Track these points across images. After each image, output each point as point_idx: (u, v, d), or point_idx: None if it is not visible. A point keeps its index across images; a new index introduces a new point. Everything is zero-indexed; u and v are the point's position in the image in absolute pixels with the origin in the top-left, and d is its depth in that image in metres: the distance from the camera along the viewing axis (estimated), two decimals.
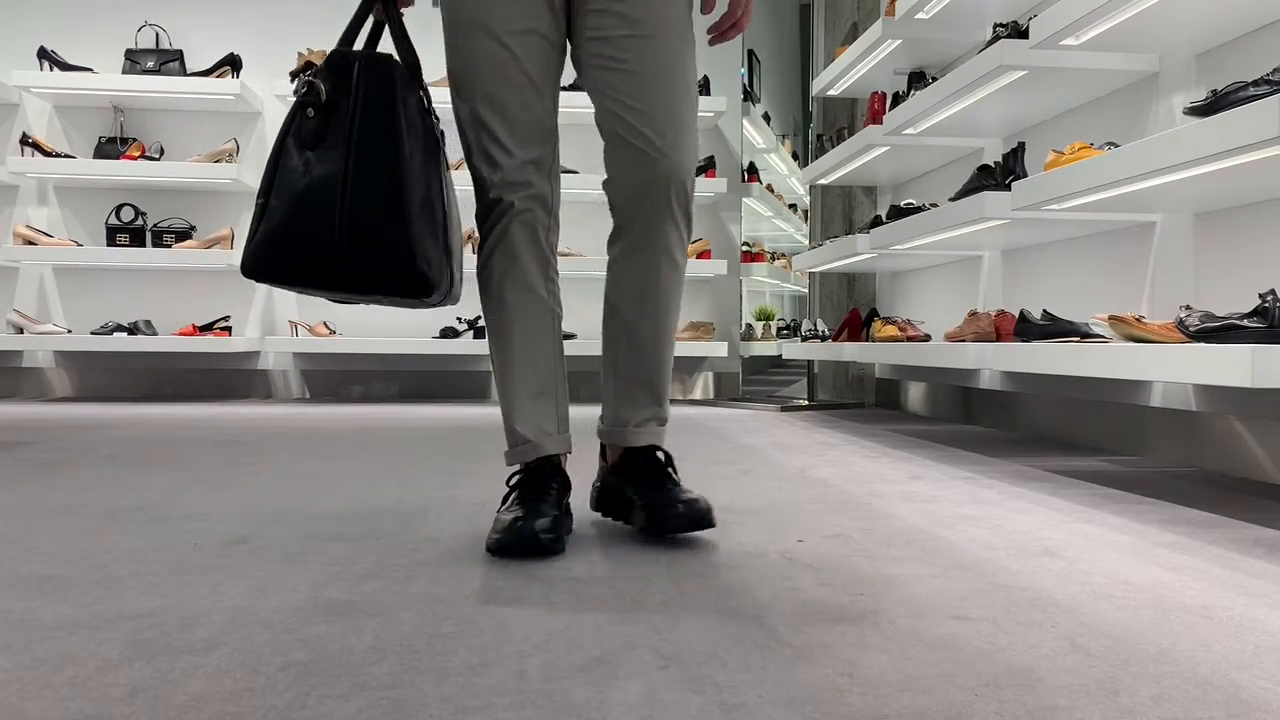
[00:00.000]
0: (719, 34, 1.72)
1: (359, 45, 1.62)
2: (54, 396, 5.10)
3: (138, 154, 4.94)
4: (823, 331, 4.73)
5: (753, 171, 5.92)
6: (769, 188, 6.78)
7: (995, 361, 2.75)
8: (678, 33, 1.64)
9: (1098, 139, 2.64)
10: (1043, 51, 2.57)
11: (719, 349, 5.09)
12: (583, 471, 1.78)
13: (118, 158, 4.92)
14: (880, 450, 2.97)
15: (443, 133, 1.61)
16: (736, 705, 0.90)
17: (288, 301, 5.18)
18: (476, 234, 1.67)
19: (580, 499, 1.74)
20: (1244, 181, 2.10)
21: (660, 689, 0.94)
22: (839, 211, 5.10)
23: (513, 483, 1.63)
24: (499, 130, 1.59)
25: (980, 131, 3.52)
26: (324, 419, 3.98)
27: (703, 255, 5.14)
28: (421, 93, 1.58)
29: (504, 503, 1.61)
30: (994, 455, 2.84)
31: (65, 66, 4.95)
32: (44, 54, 4.93)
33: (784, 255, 7.23)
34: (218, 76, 4.96)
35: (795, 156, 8.07)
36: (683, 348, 5.01)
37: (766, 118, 7.20)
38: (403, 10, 1.66)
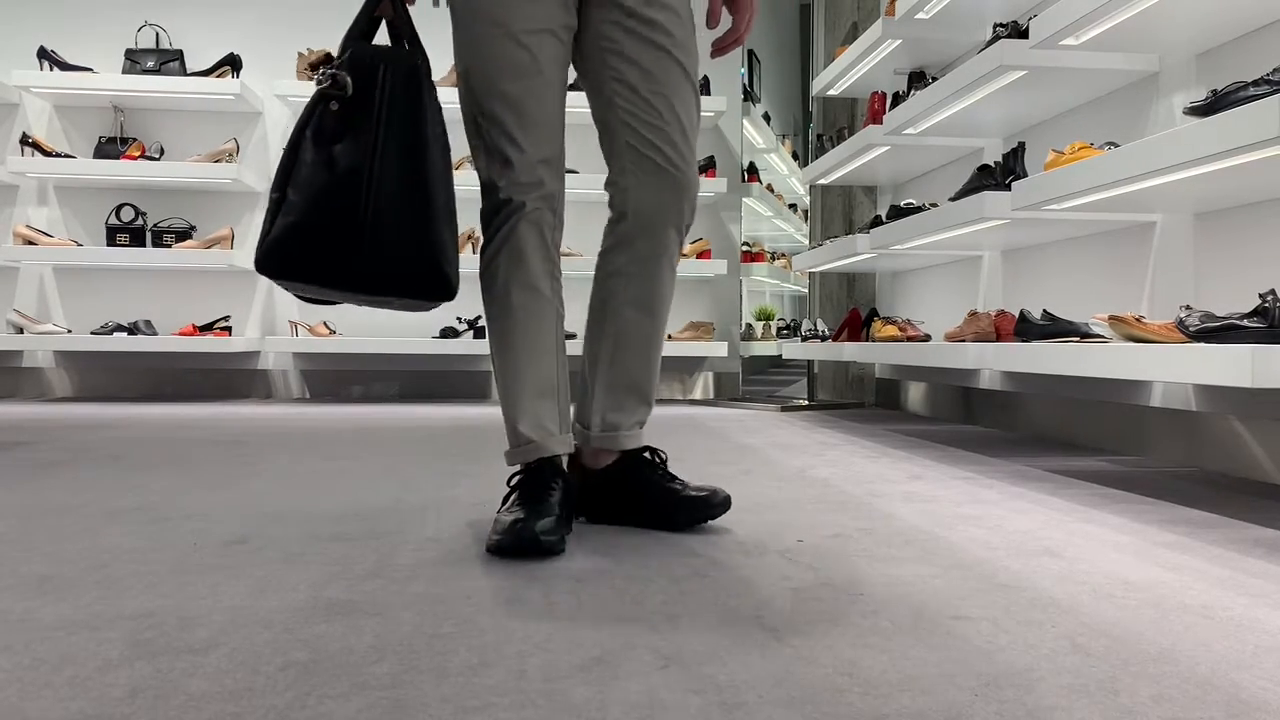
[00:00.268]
0: (721, 48, 1.76)
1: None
2: (54, 396, 5.10)
3: (138, 154, 4.94)
4: (823, 331, 4.73)
5: (753, 171, 5.92)
6: (769, 188, 6.78)
7: (995, 361, 2.75)
8: (690, 48, 1.71)
9: (1098, 139, 2.64)
10: (1043, 51, 2.57)
11: (719, 349, 5.09)
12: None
13: (118, 158, 4.92)
14: (880, 450, 2.96)
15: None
16: (736, 705, 0.90)
17: (288, 301, 5.18)
18: (479, 233, 1.67)
19: None
20: (1244, 181, 2.10)
21: (660, 689, 0.94)
22: (839, 211, 5.10)
23: (513, 483, 1.63)
24: (514, 129, 1.59)
25: (980, 131, 3.52)
26: (324, 419, 3.98)
27: (703, 255, 5.14)
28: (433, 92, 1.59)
29: (504, 503, 1.61)
30: (994, 455, 2.84)
31: (65, 66, 4.95)
32: (44, 54, 4.93)
33: (784, 255, 7.22)
34: (218, 76, 4.96)
35: (795, 156, 8.07)
36: (683, 348, 5.02)
37: (766, 118, 7.20)
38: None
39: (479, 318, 5.08)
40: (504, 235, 1.61)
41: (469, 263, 1.62)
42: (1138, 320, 2.18)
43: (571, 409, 1.74)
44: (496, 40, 1.59)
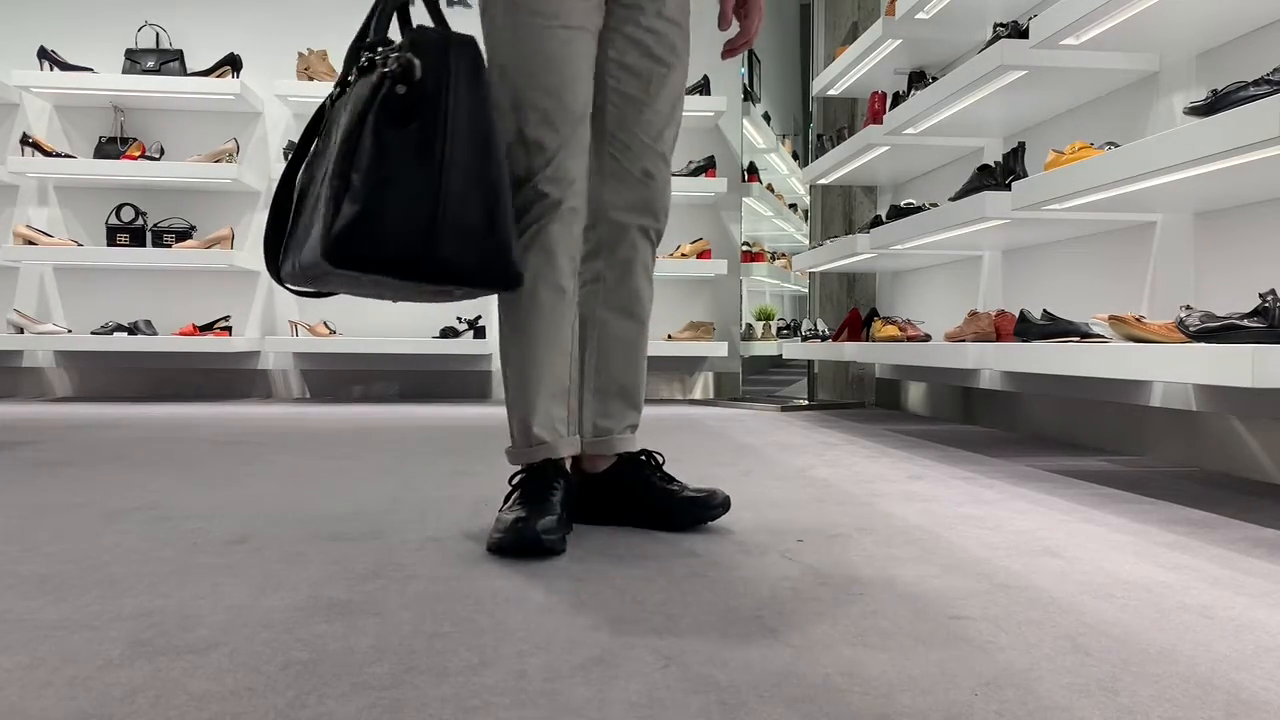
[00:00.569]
0: (731, 50, 1.78)
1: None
2: (54, 396, 5.10)
3: (138, 154, 4.94)
4: (823, 331, 4.73)
5: (753, 171, 5.92)
6: (769, 187, 6.78)
7: (995, 361, 2.75)
8: (686, 61, 1.75)
9: (1098, 139, 2.64)
10: (1043, 51, 2.57)
11: (719, 349, 5.09)
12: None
13: (118, 158, 4.92)
14: (880, 450, 2.97)
15: None
16: (736, 705, 0.90)
17: (288, 301, 5.18)
18: None
19: None
20: (1244, 181, 2.10)
21: (660, 689, 0.94)
22: (839, 211, 5.10)
23: (515, 481, 1.63)
24: (558, 123, 1.58)
25: (980, 131, 3.52)
26: (324, 419, 3.98)
27: (703, 255, 5.14)
28: None
29: (506, 501, 1.61)
30: (994, 455, 2.84)
31: (65, 66, 4.95)
32: (44, 54, 4.93)
33: (784, 255, 7.22)
34: (218, 76, 4.96)
35: (795, 156, 8.07)
36: (683, 348, 5.02)
37: (766, 118, 7.20)
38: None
39: (479, 318, 5.09)
40: (535, 231, 1.60)
41: None
42: (1138, 320, 2.18)
43: None
44: (542, 32, 1.57)
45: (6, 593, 1.27)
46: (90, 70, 4.95)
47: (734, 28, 1.78)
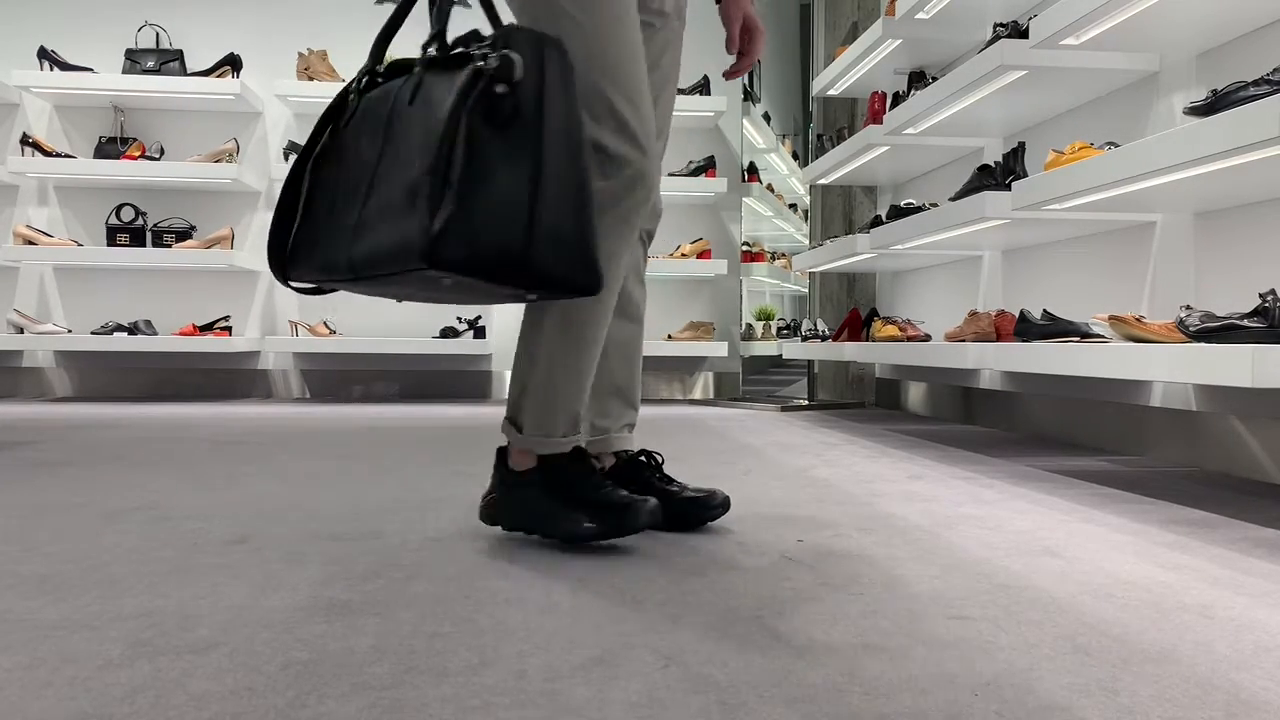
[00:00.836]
0: (735, 73, 1.80)
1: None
2: (54, 396, 5.10)
3: (138, 154, 4.94)
4: (823, 331, 4.73)
5: (753, 171, 5.92)
6: (769, 187, 6.78)
7: (995, 361, 2.75)
8: (679, 72, 1.77)
9: (1098, 139, 2.64)
10: (1043, 51, 2.57)
11: (719, 349, 5.09)
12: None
13: (118, 158, 4.92)
14: (880, 450, 2.96)
15: None
16: (736, 705, 0.90)
17: (288, 301, 5.19)
18: None
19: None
20: (1244, 181, 2.10)
21: (660, 689, 0.94)
22: (839, 211, 5.10)
23: (555, 468, 1.59)
24: (646, 115, 1.55)
25: (980, 131, 3.52)
26: (324, 419, 3.98)
27: (703, 255, 5.14)
28: None
29: (561, 488, 1.57)
30: (994, 455, 2.84)
31: (65, 66, 4.95)
32: (44, 54, 4.93)
33: (784, 255, 7.22)
34: (218, 76, 4.97)
35: (795, 156, 8.07)
36: (683, 348, 5.02)
37: (766, 117, 7.20)
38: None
39: (479, 318, 5.09)
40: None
41: None
42: (1138, 320, 2.18)
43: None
44: (627, 22, 1.55)
45: (6, 593, 1.27)
46: (90, 70, 4.95)
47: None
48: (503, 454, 1.65)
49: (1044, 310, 2.72)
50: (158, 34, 5.13)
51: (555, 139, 1.33)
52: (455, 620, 1.16)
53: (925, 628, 1.15)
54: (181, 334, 4.91)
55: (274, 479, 2.30)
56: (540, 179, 1.31)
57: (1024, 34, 2.70)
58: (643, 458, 1.77)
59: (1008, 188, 2.74)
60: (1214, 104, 1.99)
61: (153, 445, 2.96)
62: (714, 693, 0.93)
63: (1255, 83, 1.92)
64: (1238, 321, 1.92)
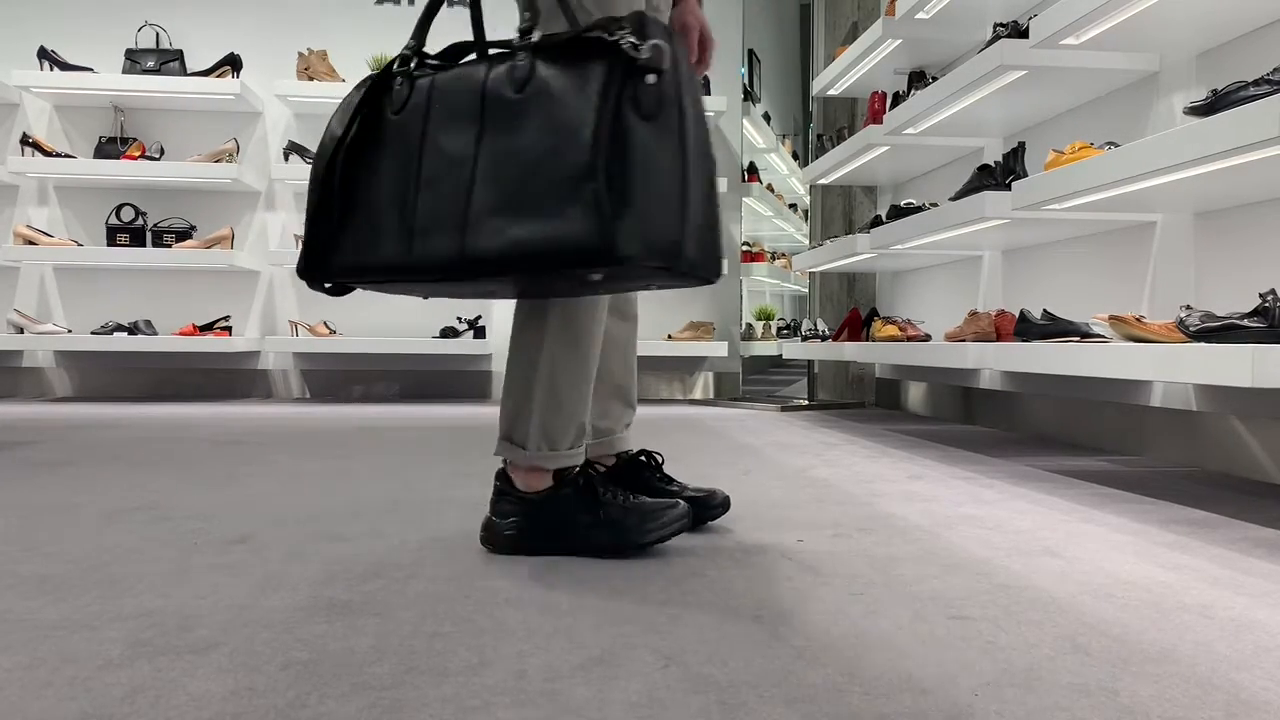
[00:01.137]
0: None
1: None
2: (54, 396, 5.10)
3: (138, 154, 4.94)
4: (823, 331, 4.73)
5: (753, 171, 5.92)
6: (769, 187, 6.78)
7: (995, 361, 2.75)
8: None
9: (1098, 139, 2.64)
10: (1043, 51, 2.57)
11: (719, 349, 5.09)
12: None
13: (118, 157, 4.92)
14: (880, 450, 2.96)
15: None
16: (736, 705, 0.90)
17: (288, 301, 5.19)
18: None
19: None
20: (1244, 181, 2.10)
21: (660, 689, 0.94)
22: (839, 211, 5.10)
23: (583, 478, 1.55)
24: None
25: (980, 131, 3.52)
26: (324, 419, 3.98)
27: None
28: None
29: (601, 495, 1.53)
30: (994, 455, 2.84)
31: (65, 66, 4.95)
32: (44, 54, 4.93)
33: (784, 255, 7.22)
34: (218, 76, 4.97)
35: (795, 156, 8.07)
36: (683, 348, 5.02)
37: (766, 117, 7.20)
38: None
39: (479, 317, 5.09)
40: None
41: None
42: (1138, 320, 2.18)
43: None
44: None
45: (6, 593, 1.27)
46: (90, 70, 4.95)
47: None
48: (507, 479, 1.57)
49: (1044, 310, 2.72)
50: (158, 34, 5.13)
51: (692, 130, 1.30)
52: (455, 620, 1.16)
53: (925, 628, 1.15)
54: (181, 334, 4.91)
55: (274, 479, 2.30)
56: (686, 170, 1.28)
57: (1024, 34, 2.70)
58: (643, 458, 1.77)
59: (1008, 188, 2.74)
60: (1214, 104, 1.99)
61: (153, 445, 2.96)
62: (714, 693, 0.93)
63: (1255, 83, 1.92)
64: (1238, 321, 1.92)
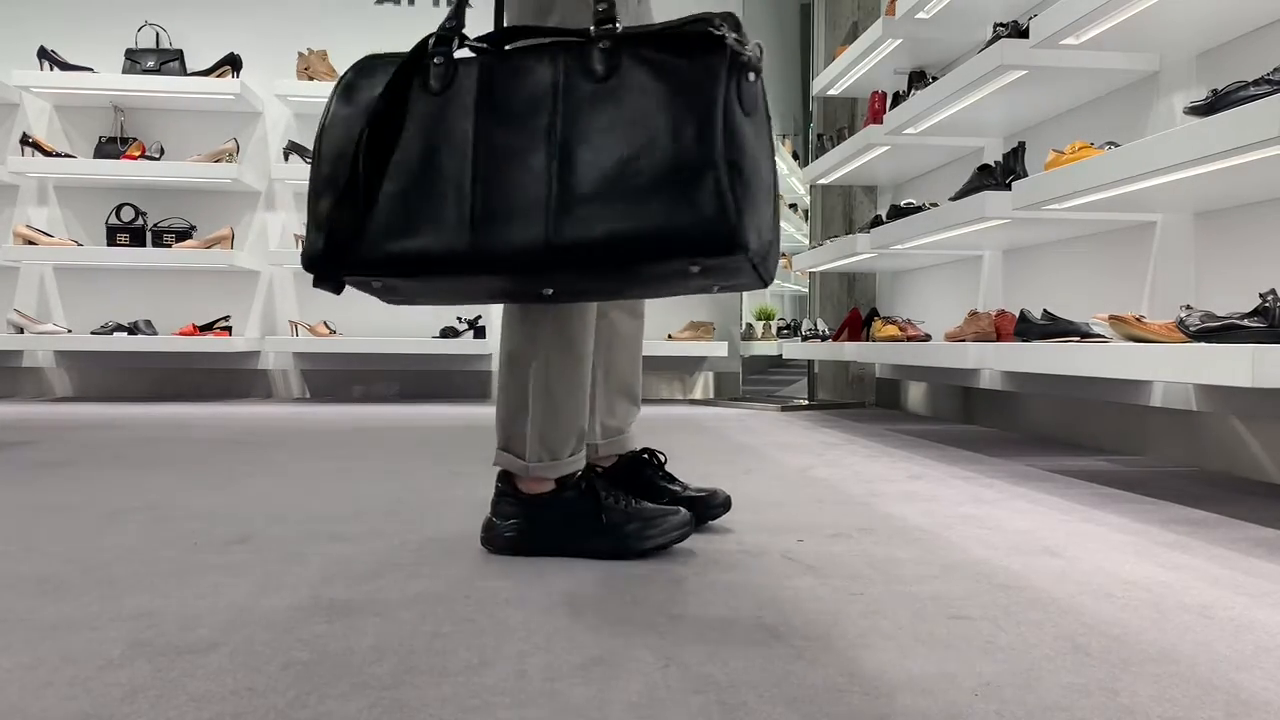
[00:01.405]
0: None
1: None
2: (54, 396, 5.10)
3: (138, 154, 4.94)
4: (823, 331, 4.73)
5: None
6: None
7: (995, 361, 2.75)
8: None
9: (1098, 139, 2.64)
10: (1043, 51, 2.57)
11: (719, 349, 5.09)
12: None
13: (118, 157, 4.92)
14: (880, 450, 2.96)
15: None
16: (736, 705, 0.90)
17: (288, 301, 5.19)
18: None
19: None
20: (1244, 181, 2.10)
21: (660, 688, 0.94)
22: (839, 211, 5.10)
23: (585, 482, 1.54)
24: None
25: (980, 131, 3.52)
26: (324, 419, 3.98)
27: None
28: None
29: (603, 500, 1.52)
30: (994, 455, 2.84)
31: (65, 66, 4.95)
32: (44, 54, 4.93)
33: (784, 255, 7.23)
34: (218, 76, 4.97)
35: (795, 156, 8.07)
36: (683, 347, 5.02)
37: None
38: None
39: (479, 317, 5.09)
40: None
41: None
42: (1138, 320, 2.18)
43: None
44: None
45: (6, 593, 1.27)
46: (90, 70, 4.95)
47: None
48: (509, 480, 1.56)
49: (1044, 310, 2.72)
50: (158, 34, 5.13)
51: (768, 127, 1.30)
52: (455, 620, 1.16)
53: (925, 628, 1.15)
54: (181, 334, 4.91)
55: (274, 479, 2.30)
56: (774, 169, 1.29)
57: (1024, 34, 2.70)
58: (645, 455, 1.77)
59: (1008, 187, 2.73)
60: (1214, 104, 1.99)
61: (153, 445, 2.96)
62: (714, 693, 0.93)
63: (1255, 82, 1.92)
64: (1238, 321, 1.92)
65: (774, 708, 0.90)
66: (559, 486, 1.53)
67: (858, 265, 4.43)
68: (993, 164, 3.05)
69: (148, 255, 4.92)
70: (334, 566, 1.42)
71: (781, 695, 0.93)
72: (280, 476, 2.34)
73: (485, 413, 4.27)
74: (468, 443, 3.09)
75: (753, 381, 6.19)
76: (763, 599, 1.27)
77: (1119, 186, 2.20)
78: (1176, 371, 1.92)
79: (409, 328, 5.11)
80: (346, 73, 1.34)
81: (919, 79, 3.68)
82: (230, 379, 5.19)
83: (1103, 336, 2.40)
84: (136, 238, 4.97)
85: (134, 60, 4.98)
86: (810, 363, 5.26)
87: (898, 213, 3.55)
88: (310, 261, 1.30)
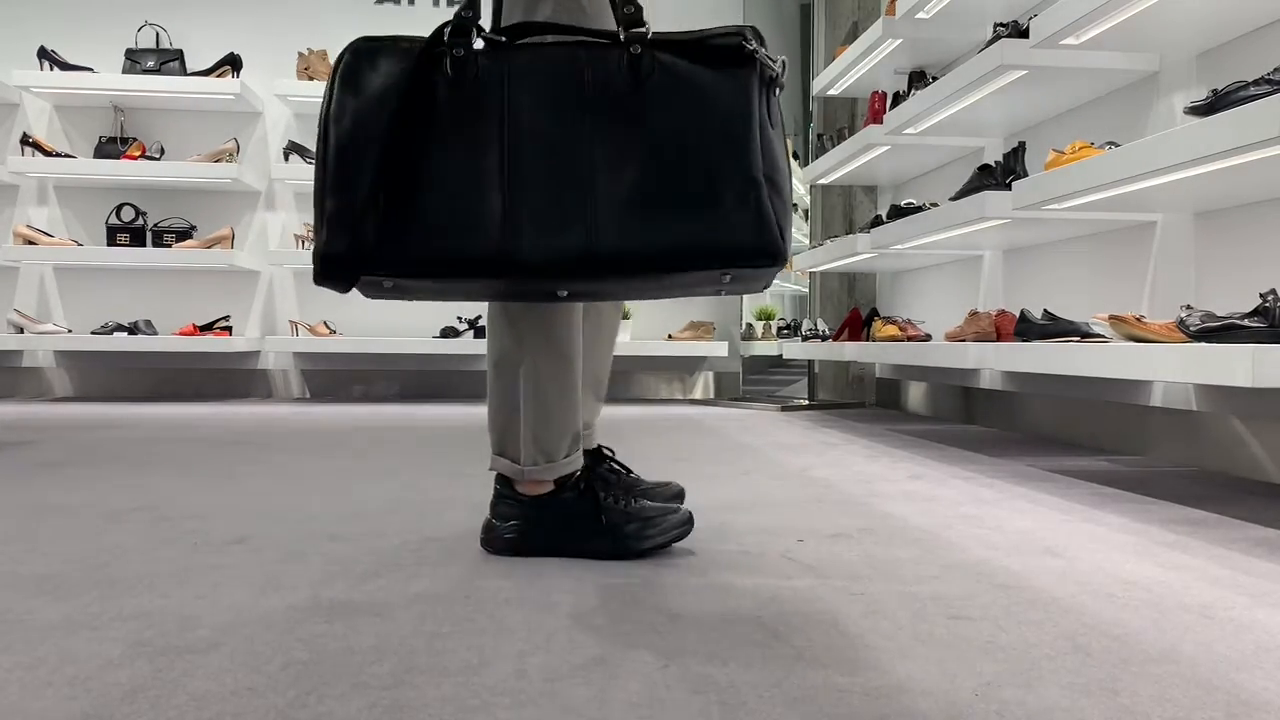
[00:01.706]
0: None
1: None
2: (54, 396, 5.10)
3: (138, 154, 4.94)
4: (823, 331, 4.73)
5: None
6: None
7: (995, 361, 2.75)
8: None
9: (1098, 139, 2.64)
10: (1043, 51, 2.57)
11: (719, 349, 5.09)
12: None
13: (118, 157, 4.92)
14: (880, 450, 2.96)
15: None
16: (736, 705, 0.90)
17: (288, 301, 5.19)
18: None
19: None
20: (1244, 181, 2.10)
21: (660, 688, 0.94)
22: (839, 211, 5.10)
23: (584, 484, 1.54)
24: None
25: (981, 131, 3.52)
26: (324, 419, 3.98)
27: None
28: None
29: (602, 500, 1.52)
30: (994, 455, 2.84)
31: (65, 66, 4.95)
32: (44, 54, 4.93)
33: None
34: (218, 76, 4.97)
35: (795, 156, 8.06)
36: (683, 347, 5.02)
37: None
38: None
39: (479, 317, 5.09)
40: None
41: None
42: (1138, 320, 2.18)
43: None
44: None
45: (6, 593, 1.27)
46: (90, 70, 4.95)
47: None
48: (508, 482, 1.55)
49: (1044, 310, 2.72)
50: (158, 34, 5.13)
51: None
52: (455, 620, 1.16)
53: (925, 628, 1.15)
54: (181, 334, 4.91)
55: (274, 479, 2.30)
56: (791, 179, 1.30)
57: (1024, 34, 2.70)
58: (607, 451, 1.77)
59: (1008, 187, 2.73)
60: (1214, 104, 1.99)
61: (153, 445, 2.96)
62: (714, 693, 0.93)
63: (1255, 82, 1.92)
64: (1238, 321, 1.92)
65: (774, 708, 0.90)
66: (558, 487, 1.53)
67: (858, 265, 4.43)
68: (993, 164, 3.05)
69: (148, 255, 4.92)
70: (334, 566, 1.42)
71: (781, 695, 0.93)
72: (280, 476, 2.34)
73: (485, 413, 4.26)
74: (467, 443, 3.09)
75: (753, 381, 6.18)
76: (763, 599, 1.27)
77: (1119, 186, 2.20)
78: (1176, 371, 1.91)
79: (409, 328, 5.11)
80: (343, 56, 1.26)
81: (919, 79, 3.68)
82: (230, 379, 5.19)
83: (1103, 336, 2.40)
84: (136, 238, 4.98)
85: (134, 60, 4.99)
86: (810, 363, 5.26)
87: (898, 213, 3.55)
88: (328, 261, 1.23)
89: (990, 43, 2.85)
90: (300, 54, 5.06)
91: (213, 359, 5.07)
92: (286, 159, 5.04)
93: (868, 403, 4.94)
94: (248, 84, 4.99)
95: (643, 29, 1.25)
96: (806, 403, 4.92)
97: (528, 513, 1.52)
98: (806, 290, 5.71)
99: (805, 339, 4.75)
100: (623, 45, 1.24)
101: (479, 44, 1.28)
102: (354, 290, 1.30)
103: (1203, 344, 1.93)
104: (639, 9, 1.26)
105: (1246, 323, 1.90)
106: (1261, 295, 1.90)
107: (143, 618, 1.16)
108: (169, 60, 5.00)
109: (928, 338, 3.68)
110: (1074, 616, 1.20)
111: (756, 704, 0.91)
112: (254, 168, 5.13)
